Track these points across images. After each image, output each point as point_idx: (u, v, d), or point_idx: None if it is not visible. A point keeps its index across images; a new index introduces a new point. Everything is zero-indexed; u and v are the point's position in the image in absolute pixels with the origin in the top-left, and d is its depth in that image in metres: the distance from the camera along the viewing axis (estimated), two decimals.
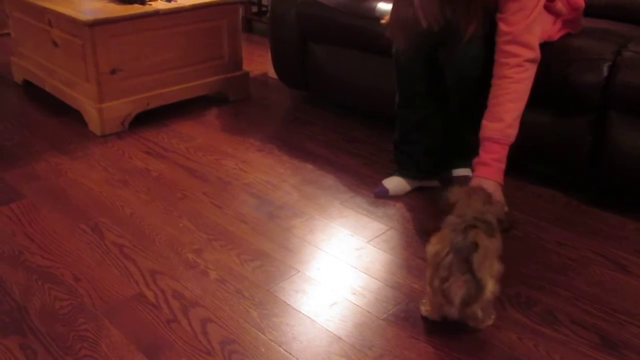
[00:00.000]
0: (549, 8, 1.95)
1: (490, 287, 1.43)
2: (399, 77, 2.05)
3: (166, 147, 2.49)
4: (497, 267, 1.48)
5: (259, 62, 3.57)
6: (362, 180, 2.23)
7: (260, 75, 3.37)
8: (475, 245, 1.41)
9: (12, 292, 1.64)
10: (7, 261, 1.77)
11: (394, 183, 2.13)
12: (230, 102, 2.98)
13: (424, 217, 2.00)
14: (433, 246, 1.48)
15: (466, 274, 1.39)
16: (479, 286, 1.40)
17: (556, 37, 2.02)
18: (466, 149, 2.16)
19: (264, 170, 2.30)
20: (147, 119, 2.70)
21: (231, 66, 2.96)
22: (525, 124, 2.11)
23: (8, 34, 3.25)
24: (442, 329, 1.52)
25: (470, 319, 1.48)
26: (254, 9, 4.39)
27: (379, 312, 1.57)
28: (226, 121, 2.77)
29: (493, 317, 1.54)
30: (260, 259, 1.79)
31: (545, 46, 1.99)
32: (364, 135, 2.60)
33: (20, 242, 1.87)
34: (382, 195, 2.11)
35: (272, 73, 3.17)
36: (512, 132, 1.80)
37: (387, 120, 2.42)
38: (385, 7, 2.40)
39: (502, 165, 1.81)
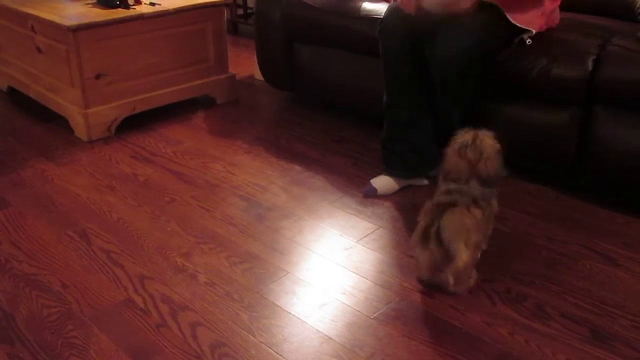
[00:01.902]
0: None
1: (464, 257, 1.52)
2: (387, 75, 2.05)
3: (153, 152, 2.48)
4: (474, 237, 1.56)
5: (246, 65, 3.56)
6: (351, 180, 2.22)
7: (247, 78, 3.36)
8: (445, 221, 1.52)
9: None
10: None
11: (382, 182, 2.13)
12: (217, 105, 2.97)
13: (412, 215, 1.98)
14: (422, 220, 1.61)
15: (433, 245, 1.52)
16: (448, 256, 1.52)
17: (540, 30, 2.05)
18: None
19: (252, 173, 2.29)
20: (133, 123, 2.68)
21: (217, 69, 2.94)
22: (512, 120, 2.12)
23: None
24: (433, 326, 1.51)
25: (443, 282, 1.61)
26: (240, 11, 4.38)
27: (369, 312, 1.57)
28: (213, 124, 2.76)
29: (472, 280, 1.64)
30: (250, 261, 1.78)
31: (531, 40, 2.01)
32: (351, 135, 2.60)
33: (7, 250, 1.85)
34: (371, 195, 2.11)
35: (258, 75, 3.16)
36: None
37: (374, 120, 2.42)
38: (370, 6, 2.39)
39: None
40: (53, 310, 1.59)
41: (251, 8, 4.29)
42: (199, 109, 2.91)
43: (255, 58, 3.04)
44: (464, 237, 1.52)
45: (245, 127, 2.72)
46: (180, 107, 2.88)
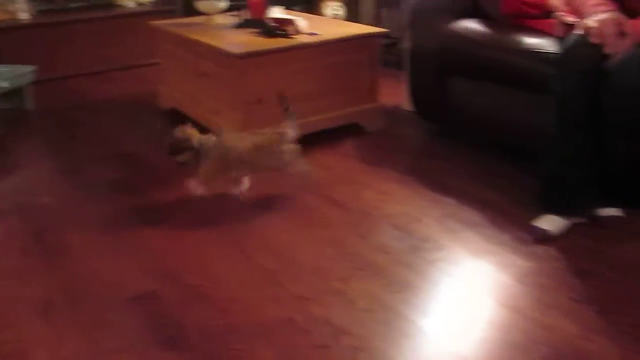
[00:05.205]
0: None
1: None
2: (562, 109, 1.99)
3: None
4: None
5: (390, 94, 3.58)
6: (505, 216, 2.18)
7: (393, 108, 3.38)
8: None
9: (170, 309, 1.72)
10: (164, 280, 1.87)
11: (553, 223, 2.04)
12: (366, 133, 3.01)
13: (573, 257, 1.93)
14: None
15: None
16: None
17: None
18: (616, 187, 2.07)
19: (404, 202, 2.31)
20: None
21: (368, 98, 3.00)
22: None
23: (156, 64, 3.46)
24: None
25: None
26: (384, 41, 4.44)
27: (531, 353, 1.52)
28: (362, 152, 2.81)
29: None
30: (406, 291, 1.78)
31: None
32: (503, 170, 2.55)
33: (174, 263, 1.96)
34: (544, 238, 2.02)
35: (405, 105, 3.19)
36: None
37: (526, 157, 2.37)
38: (532, 40, 2.35)
39: None
40: (219, 322, 1.67)
41: (395, 38, 4.34)
42: (348, 137, 2.97)
43: (400, 88, 3.07)
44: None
45: (395, 156, 2.74)
46: (330, 134, 2.94)
